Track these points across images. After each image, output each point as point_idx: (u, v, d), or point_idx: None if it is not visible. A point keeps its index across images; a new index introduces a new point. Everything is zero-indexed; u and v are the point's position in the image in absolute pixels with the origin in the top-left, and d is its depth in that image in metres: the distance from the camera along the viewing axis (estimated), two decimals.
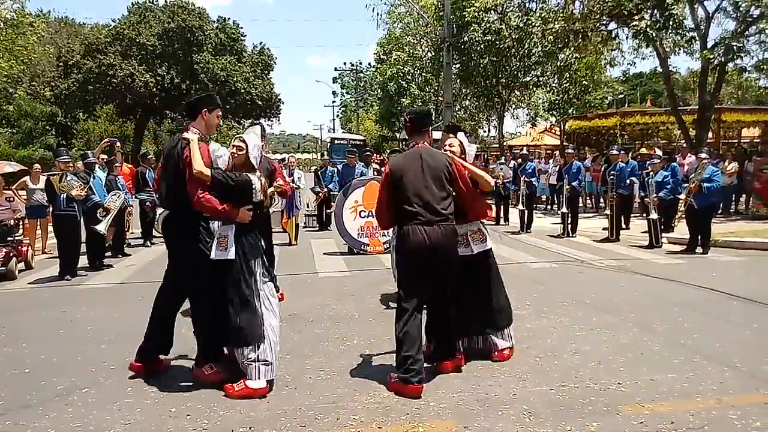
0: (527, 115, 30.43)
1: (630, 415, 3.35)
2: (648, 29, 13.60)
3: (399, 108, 34.78)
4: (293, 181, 10.76)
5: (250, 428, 3.30)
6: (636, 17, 13.94)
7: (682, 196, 9.38)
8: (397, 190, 3.99)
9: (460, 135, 4.59)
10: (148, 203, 10.67)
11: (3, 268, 7.85)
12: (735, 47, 13.52)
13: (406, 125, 4.25)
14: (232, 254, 3.82)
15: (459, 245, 4.16)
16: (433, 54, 26.58)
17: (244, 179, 3.92)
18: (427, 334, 4.21)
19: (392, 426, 3.30)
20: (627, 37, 15.36)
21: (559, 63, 22.18)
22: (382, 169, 12.03)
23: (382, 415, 3.43)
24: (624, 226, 11.61)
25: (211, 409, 3.54)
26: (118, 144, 11.63)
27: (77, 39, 36.15)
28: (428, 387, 3.80)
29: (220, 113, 4.23)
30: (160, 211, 10.29)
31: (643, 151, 15.08)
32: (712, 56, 13.98)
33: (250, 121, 40.49)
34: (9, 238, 8.33)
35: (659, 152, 12.64)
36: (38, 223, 10.29)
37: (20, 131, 32.27)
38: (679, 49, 15.03)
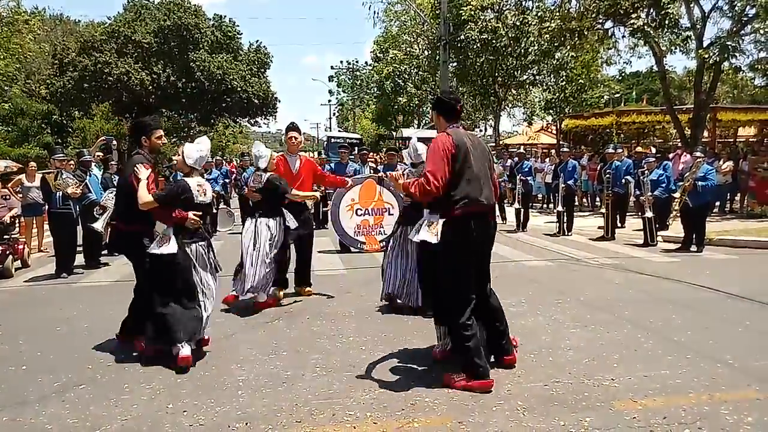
0: (524, 113, 30.44)
1: (623, 410, 3.38)
2: (645, 27, 13.65)
3: (396, 106, 34.73)
4: None
5: (246, 424, 3.32)
6: (633, 16, 13.99)
7: (677, 195, 9.43)
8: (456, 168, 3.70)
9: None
10: None
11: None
12: (730, 46, 13.55)
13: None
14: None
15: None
16: (430, 52, 26.61)
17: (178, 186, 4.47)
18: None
19: (387, 421, 3.32)
20: (623, 36, 15.42)
21: (555, 62, 22.22)
22: (380, 168, 12.08)
23: (378, 410, 3.46)
24: (619, 224, 11.66)
25: (207, 405, 3.56)
26: (115, 142, 11.62)
27: (72, 37, 35.99)
28: (423, 383, 3.83)
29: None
30: None
31: (639, 149, 15.11)
32: (707, 55, 14.01)
33: (246, 119, 40.52)
34: (5, 236, 8.34)
35: (654, 150, 12.70)
36: (34, 221, 10.27)
37: (16, 130, 32.16)
38: (675, 48, 15.04)
